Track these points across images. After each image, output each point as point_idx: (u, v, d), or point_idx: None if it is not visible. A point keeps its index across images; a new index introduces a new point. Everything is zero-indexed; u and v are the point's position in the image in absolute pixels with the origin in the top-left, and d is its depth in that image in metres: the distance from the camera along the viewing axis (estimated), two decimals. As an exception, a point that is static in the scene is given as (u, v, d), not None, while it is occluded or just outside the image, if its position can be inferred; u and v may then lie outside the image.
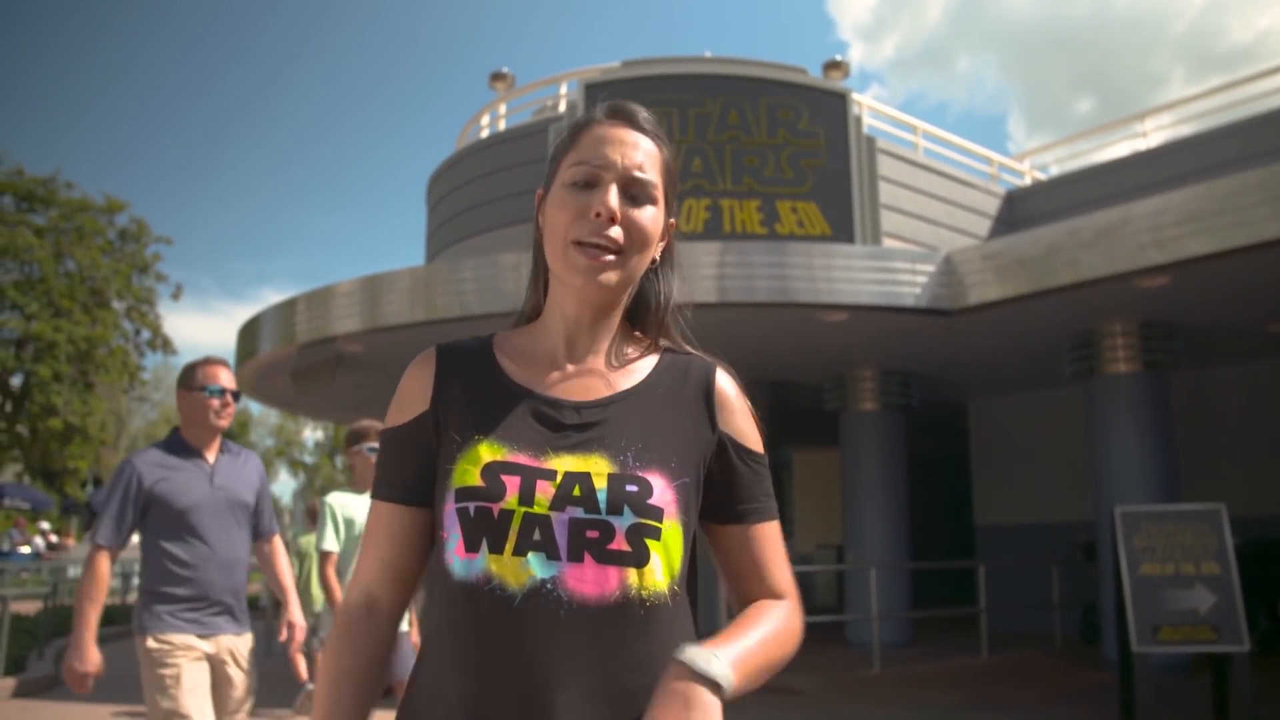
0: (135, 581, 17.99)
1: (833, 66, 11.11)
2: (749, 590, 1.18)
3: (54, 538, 25.50)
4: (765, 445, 1.20)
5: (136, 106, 79.36)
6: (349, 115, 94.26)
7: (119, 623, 12.35)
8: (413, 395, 1.19)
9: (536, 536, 1.04)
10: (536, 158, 10.62)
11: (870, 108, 11.14)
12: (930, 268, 8.08)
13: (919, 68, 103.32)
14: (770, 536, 1.20)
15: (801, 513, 18.15)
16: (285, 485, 49.18)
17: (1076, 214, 8.41)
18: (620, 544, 1.04)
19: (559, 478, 1.07)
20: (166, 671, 3.10)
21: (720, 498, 1.16)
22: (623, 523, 1.04)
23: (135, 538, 3.29)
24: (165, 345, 29.58)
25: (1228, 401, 10.47)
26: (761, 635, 1.10)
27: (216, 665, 3.26)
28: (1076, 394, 9.76)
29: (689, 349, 1.23)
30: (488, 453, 1.09)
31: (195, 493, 3.25)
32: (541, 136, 10.81)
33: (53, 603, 11.01)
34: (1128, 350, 8.51)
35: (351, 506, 4.58)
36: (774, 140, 10.22)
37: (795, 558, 16.66)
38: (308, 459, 48.49)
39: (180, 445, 3.36)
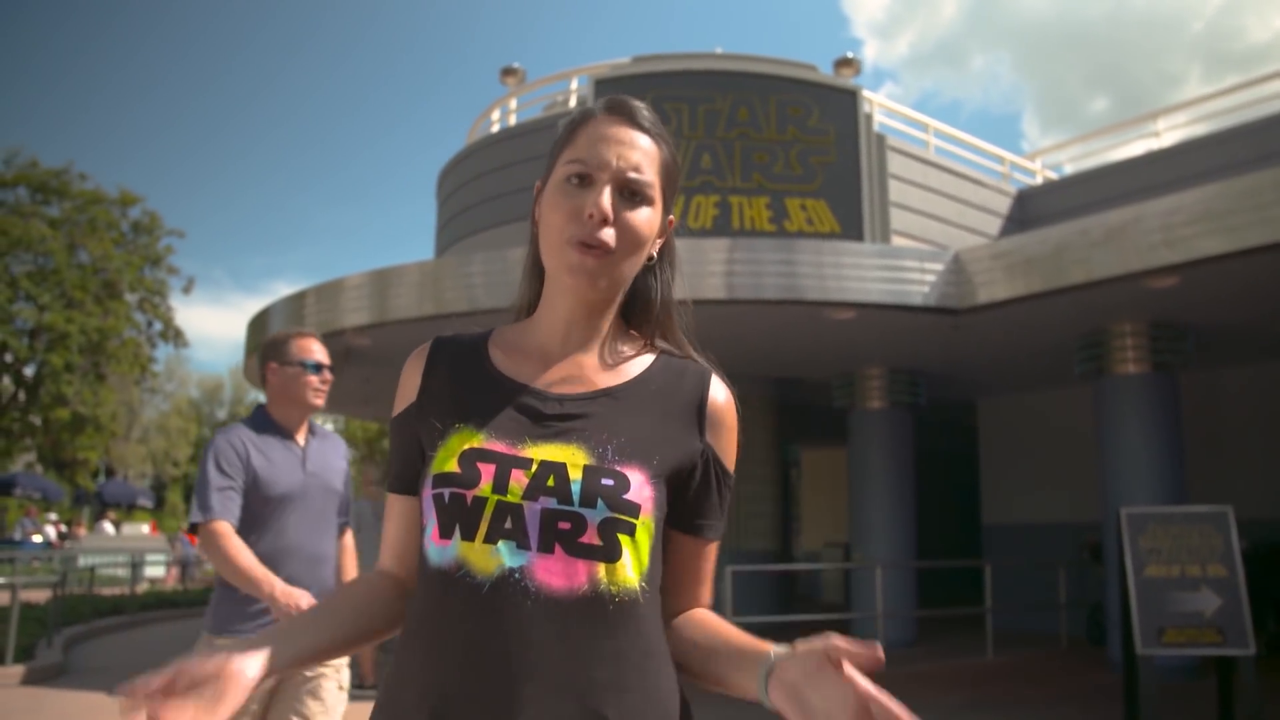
0: (146, 571, 18.10)
1: (844, 64, 11.07)
2: (679, 601, 1.18)
3: (64, 527, 25.66)
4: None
5: (147, 98, 79.88)
6: (359, 108, 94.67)
7: (125, 613, 12.45)
8: (405, 388, 1.21)
9: (508, 525, 1.04)
10: (547, 153, 10.60)
11: (881, 105, 11.09)
12: (939, 266, 8.06)
13: (933, 65, 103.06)
14: (711, 555, 1.20)
15: (808, 510, 18.13)
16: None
17: (1088, 213, 8.36)
18: (591, 538, 1.03)
19: (534, 466, 1.06)
20: None
21: (683, 506, 1.15)
22: (595, 516, 1.03)
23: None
24: (177, 337, 29.75)
25: (1237, 403, 10.41)
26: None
27: (296, 682, 2.78)
28: (1085, 394, 9.72)
29: (689, 351, 1.22)
30: (466, 440, 1.09)
31: (289, 479, 2.89)
32: (552, 132, 10.81)
33: (62, 591, 11.09)
34: (1137, 350, 8.47)
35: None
36: (784, 137, 10.19)
37: (802, 555, 16.70)
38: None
39: (270, 424, 2.96)
